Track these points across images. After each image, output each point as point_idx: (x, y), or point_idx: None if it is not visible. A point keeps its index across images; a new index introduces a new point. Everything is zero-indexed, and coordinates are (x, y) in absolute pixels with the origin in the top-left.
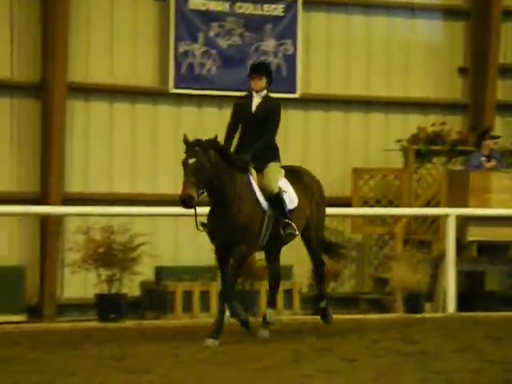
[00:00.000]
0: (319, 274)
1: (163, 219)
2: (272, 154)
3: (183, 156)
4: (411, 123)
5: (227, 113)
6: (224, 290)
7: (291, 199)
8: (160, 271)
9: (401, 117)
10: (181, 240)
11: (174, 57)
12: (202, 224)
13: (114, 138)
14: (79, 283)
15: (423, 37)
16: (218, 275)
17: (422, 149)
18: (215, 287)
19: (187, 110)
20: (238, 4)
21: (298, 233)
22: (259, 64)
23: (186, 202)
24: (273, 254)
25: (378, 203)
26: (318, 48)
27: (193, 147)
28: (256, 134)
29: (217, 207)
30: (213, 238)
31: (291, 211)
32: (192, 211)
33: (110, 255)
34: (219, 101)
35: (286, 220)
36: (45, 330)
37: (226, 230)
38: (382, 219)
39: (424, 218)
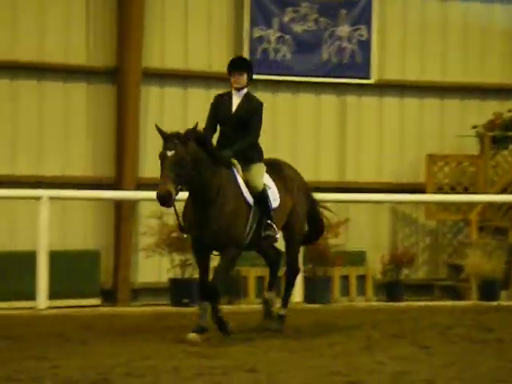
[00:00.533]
0: (290, 279)
1: None
2: (255, 155)
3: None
4: (487, 109)
5: (301, 99)
6: (206, 290)
7: (274, 196)
8: None
9: (477, 102)
10: None
11: (249, 42)
12: (181, 227)
13: (188, 123)
14: (153, 268)
15: (501, 21)
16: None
17: (498, 135)
18: None
19: (262, 95)
20: None
21: (277, 236)
22: (239, 59)
23: (164, 199)
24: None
25: (452, 190)
26: (392, 33)
27: (171, 139)
28: (236, 136)
29: (198, 203)
30: (193, 236)
31: (274, 210)
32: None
33: (184, 240)
34: (294, 86)
35: (269, 221)
36: (119, 314)
37: (209, 228)
38: (457, 206)
39: (500, 204)
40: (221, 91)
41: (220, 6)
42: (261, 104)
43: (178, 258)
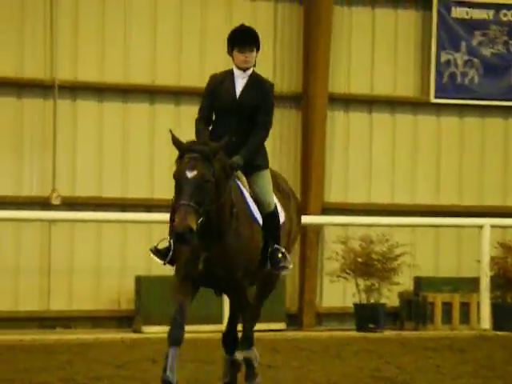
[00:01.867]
0: (252, 309)
1: (422, 229)
2: (261, 159)
3: (442, 165)
4: None
5: (489, 123)
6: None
7: (280, 214)
8: (419, 281)
9: None
10: (441, 250)
11: (436, 66)
12: (156, 250)
13: (373, 148)
14: (338, 292)
15: None
16: (477, 286)
17: None
18: (476, 299)
19: (448, 119)
20: (503, 12)
21: (291, 266)
22: (249, 30)
23: (183, 238)
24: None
25: None
26: None
27: (192, 154)
28: (242, 128)
29: (206, 233)
30: (188, 269)
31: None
32: None
33: (369, 265)
34: (481, 110)
35: (281, 248)
36: (304, 338)
37: (222, 260)
38: None
39: None
40: (407, 116)
41: (407, 30)
42: (272, 86)
43: (363, 283)
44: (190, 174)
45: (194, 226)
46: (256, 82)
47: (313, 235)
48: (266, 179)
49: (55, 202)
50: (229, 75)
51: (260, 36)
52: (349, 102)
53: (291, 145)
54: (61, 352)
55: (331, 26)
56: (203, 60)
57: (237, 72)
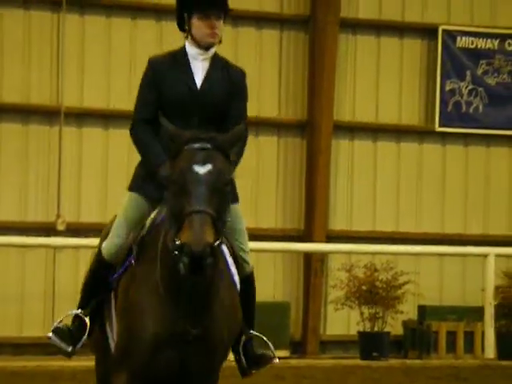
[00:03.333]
0: None
1: (427, 257)
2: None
3: (447, 194)
4: None
5: (494, 152)
6: None
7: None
8: (423, 310)
9: None
10: (445, 279)
11: (440, 95)
12: (58, 331)
13: (378, 177)
14: (342, 320)
15: None
16: (482, 316)
17: None
18: (480, 328)
19: (453, 148)
20: (508, 41)
21: (276, 360)
22: None
23: (202, 260)
24: None
25: None
26: None
27: (201, 143)
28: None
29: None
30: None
31: None
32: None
33: (373, 293)
34: (486, 139)
35: (256, 334)
36: (308, 365)
37: (200, 344)
38: None
39: None
40: (412, 144)
41: (412, 58)
42: (244, 73)
43: (367, 311)
44: (201, 170)
45: (213, 241)
46: (222, 67)
47: (317, 263)
48: (239, 216)
49: (60, 227)
50: (180, 57)
51: (265, 64)
52: (354, 130)
53: (296, 172)
54: (66, 379)
55: (336, 54)
56: None
57: (193, 51)
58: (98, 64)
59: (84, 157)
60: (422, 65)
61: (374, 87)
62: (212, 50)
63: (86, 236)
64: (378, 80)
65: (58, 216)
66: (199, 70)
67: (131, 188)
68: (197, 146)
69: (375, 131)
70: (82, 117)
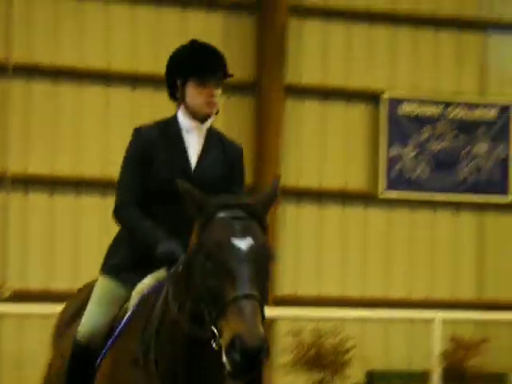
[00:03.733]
0: None
1: (373, 322)
2: None
3: (392, 258)
4: None
5: (439, 217)
6: None
7: None
8: (371, 375)
9: None
10: (392, 343)
11: (385, 161)
12: None
13: (324, 241)
14: None
15: None
16: (429, 380)
17: None
18: None
19: (398, 213)
20: (451, 107)
21: None
22: (215, 53)
23: (258, 357)
24: None
25: None
26: None
27: (234, 211)
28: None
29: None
30: None
31: None
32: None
33: (321, 358)
34: (431, 204)
35: None
36: None
37: None
38: None
39: None
40: (357, 210)
41: (357, 124)
42: (241, 150)
43: (315, 376)
44: (243, 244)
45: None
46: (219, 142)
47: (265, 328)
48: None
49: (6, 294)
50: (171, 129)
51: None
52: (300, 194)
53: None
54: None
55: (282, 120)
56: None
57: (186, 123)
58: (43, 130)
59: (30, 223)
60: (367, 130)
61: (319, 153)
62: (208, 123)
63: (32, 302)
64: (325, 145)
65: (4, 282)
66: (194, 146)
67: (106, 271)
68: (230, 214)
69: (320, 196)
70: (28, 183)
